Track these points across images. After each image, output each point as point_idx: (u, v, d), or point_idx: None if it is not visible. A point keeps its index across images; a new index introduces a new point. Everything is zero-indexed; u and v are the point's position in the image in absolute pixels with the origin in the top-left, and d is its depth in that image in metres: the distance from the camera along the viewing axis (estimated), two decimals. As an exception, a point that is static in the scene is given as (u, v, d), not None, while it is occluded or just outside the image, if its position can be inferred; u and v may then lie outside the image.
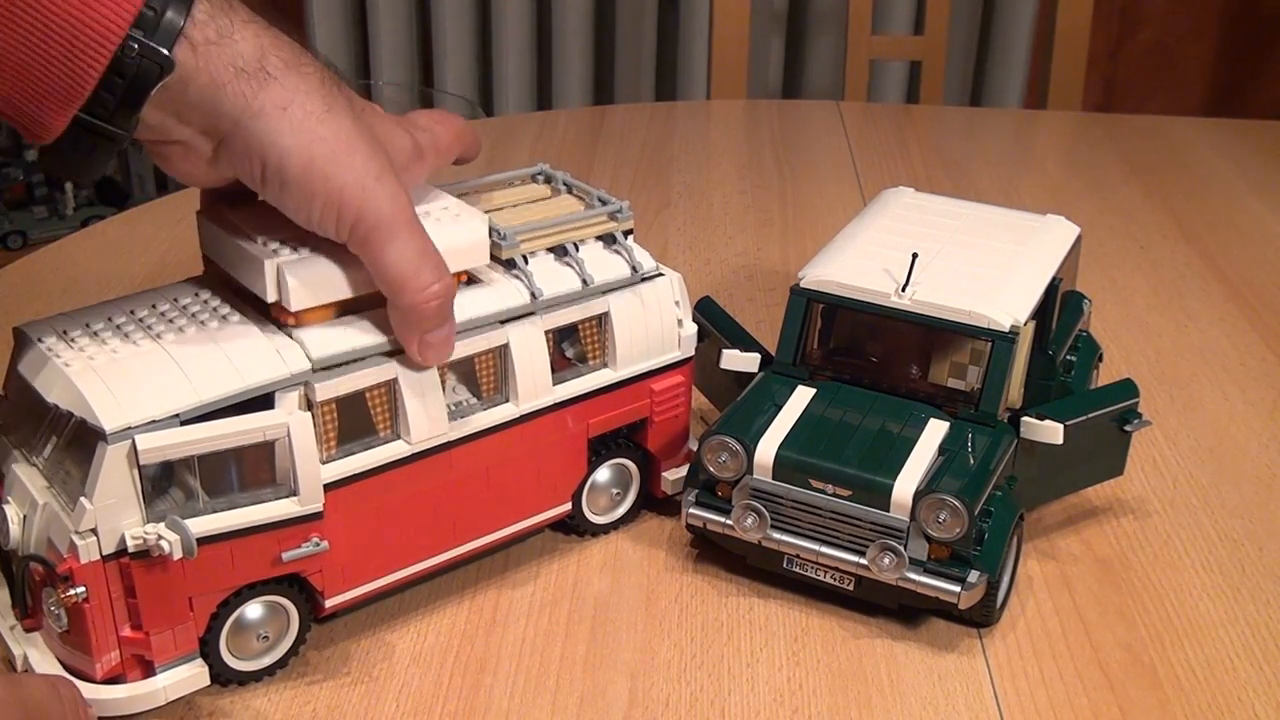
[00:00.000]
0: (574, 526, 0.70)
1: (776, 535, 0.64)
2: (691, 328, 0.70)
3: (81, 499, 0.53)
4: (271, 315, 0.59)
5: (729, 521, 0.65)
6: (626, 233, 0.68)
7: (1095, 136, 1.35)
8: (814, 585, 0.65)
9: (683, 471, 0.71)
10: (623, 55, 2.30)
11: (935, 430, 0.65)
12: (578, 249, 0.66)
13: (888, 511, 0.62)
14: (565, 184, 0.71)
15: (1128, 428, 0.69)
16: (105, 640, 0.55)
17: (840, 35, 1.97)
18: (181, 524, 0.53)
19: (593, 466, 0.68)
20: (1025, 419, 0.66)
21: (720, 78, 1.59)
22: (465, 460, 0.63)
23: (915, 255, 0.67)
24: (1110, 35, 2.45)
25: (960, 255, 0.71)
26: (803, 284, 0.69)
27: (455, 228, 0.61)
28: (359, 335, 0.59)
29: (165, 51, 0.51)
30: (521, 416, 0.64)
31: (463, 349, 0.61)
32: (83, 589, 0.53)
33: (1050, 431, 0.66)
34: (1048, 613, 0.66)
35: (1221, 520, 0.74)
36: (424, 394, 0.60)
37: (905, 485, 0.62)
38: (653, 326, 0.68)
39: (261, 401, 0.56)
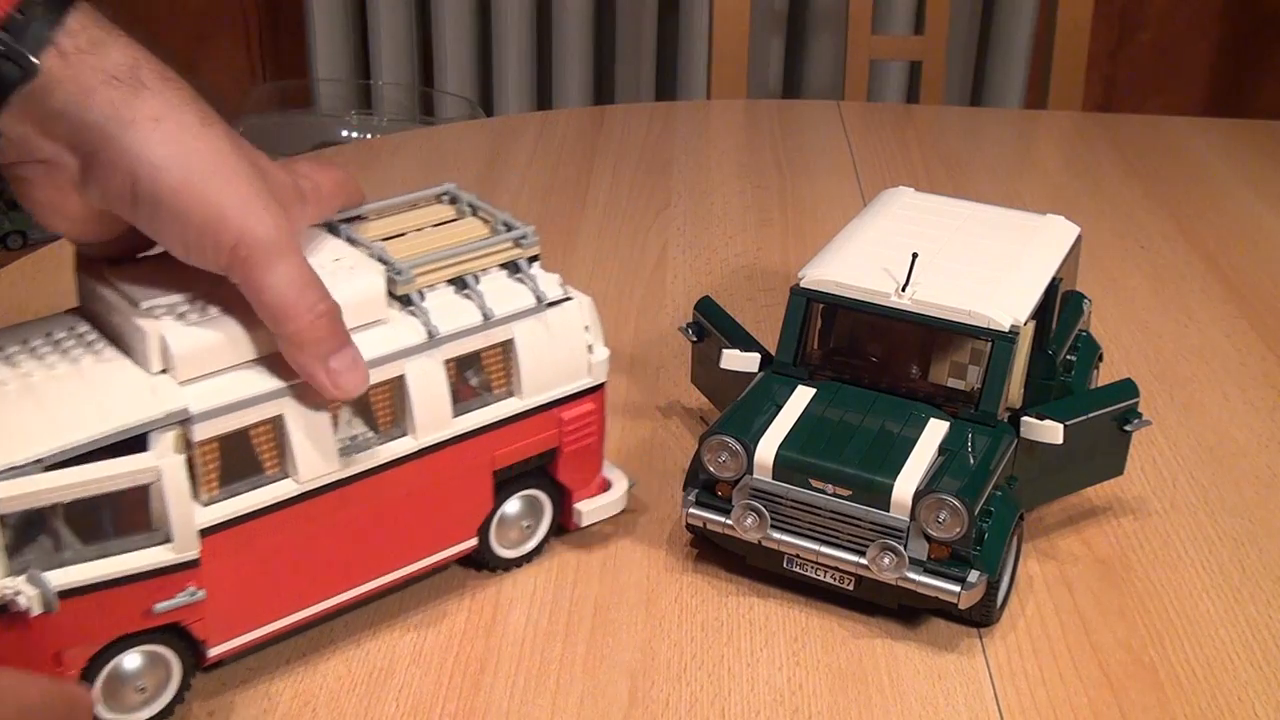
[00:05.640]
0: (482, 562, 0.66)
1: (776, 535, 0.64)
2: (603, 353, 0.66)
3: None
4: None
5: (729, 521, 0.65)
6: (532, 259, 0.65)
7: (1095, 136, 1.35)
8: (814, 585, 0.65)
9: (598, 502, 0.68)
10: (623, 55, 2.30)
11: (935, 430, 0.65)
12: (478, 280, 0.62)
13: (888, 511, 0.62)
14: (471, 205, 0.67)
15: (1128, 428, 0.69)
16: None
17: (840, 35, 1.97)
18: (40, 577, 0.50)
19: (500, 500, 0.65)
20: (1025, 419, 0.66)
21: (720, 78, 1.59)
22: (360, 498, 0.59)
23: (915, 255, 0.67)
24: (1110, 35, 2.45)
25: (960, 255, 0.71)
26: (803, 284, 0.69)
27: (350, 283, 0.58)
28: (248, 382, 0.55)
29: (31, 57, 0.50)
30: (420, 450, 0.60)
31: None
32: None
33: (1050, 431, 0.66)
34: (1048, 613, 0.66)
35: (1221, 520, 0.74)
36: (313, 430, 0.56)
37: (905, 485, 0.62)
38: (560, 353, 0.64)
39: (138, 442, 0.53)
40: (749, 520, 0.64)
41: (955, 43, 2.18)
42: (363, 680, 0.60)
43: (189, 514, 0.53)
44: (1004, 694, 0.61)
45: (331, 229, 0.63)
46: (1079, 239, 0.77)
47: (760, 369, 0.71)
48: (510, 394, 0.64)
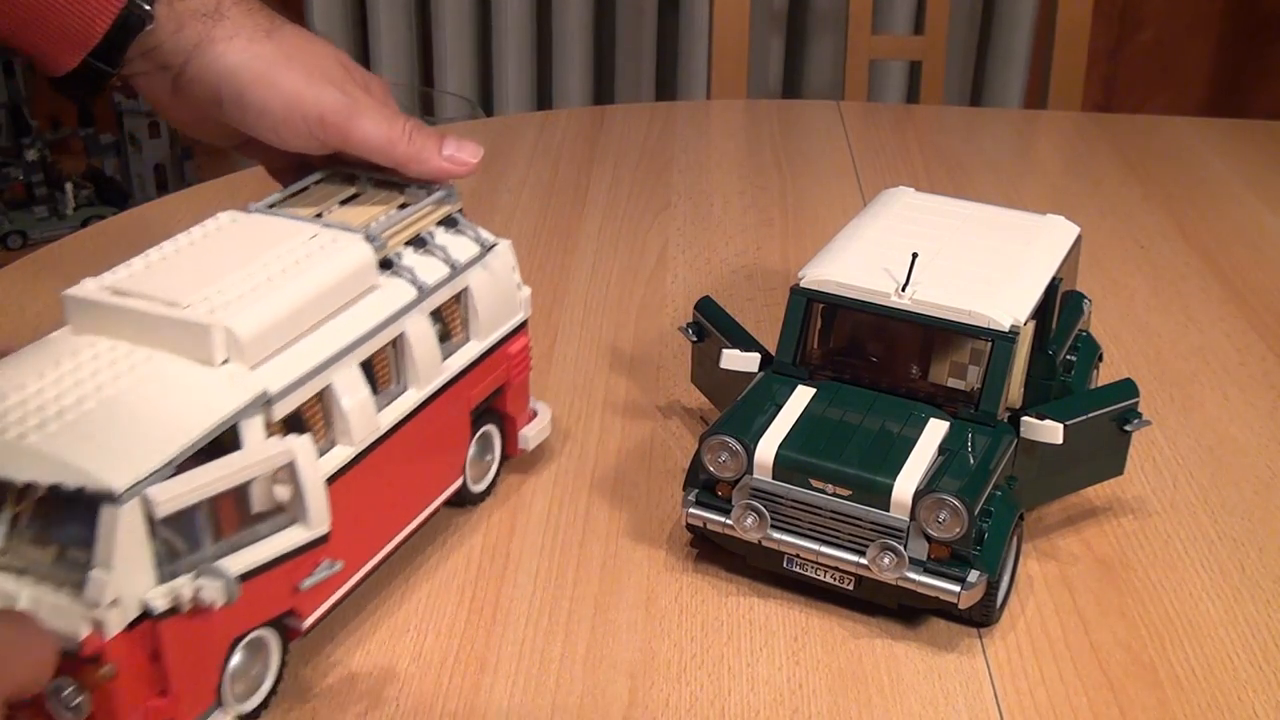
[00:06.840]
0: (458, 500, 0.70)
1: (776, 535, 0.64)
2: (526, 290, 0.72)
3: (93, 571, 0.48)
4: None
5: (729, 521, 0.65)
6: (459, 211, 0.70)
7: (1095, 136, 1.35)
8: (814, 585, 0.65)
9: (535, 427, 0.74)
10: (623, 55, 2.30)
11: (935, 430, 0.65)
12: (434, 237, 0.67)
13: (888, 511, 0.62)
14: (369, 178, 0.69)
15: (1128, 428, 0.69)
16: (134, 718, 0.51)
17: (840, 35, 1.97)
18: (218, 568, 0.51)
19: (472, 437, 0.70)
20: (1025, 419, 0.66)
21: (720, 78, 1.59)
22: (394, 452, 0.62)
23: (915, 255, 0.67)
24: (1110, 35, 2.45)
25: (960, 255, 0.71)
26: (803, 284, 0.69)
27: (341, 256, 0.61)
28: (303, 357, 0.58)
29: (148, 7, 0.65)
30: (426, 400, 0.65)
31: (362, 352, 0.60)
32: (110, 667, 0.49)
33: (1050, 431, 0.66)
34: (1048, 613, 0.66)
35: (1221, 520, 0.74)
36: (356, 393, 0.60)
37: (905, 485, 0.62)
38: (501, 294, 0.69)
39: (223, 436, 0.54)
40: (749, 520, 0.64)
41: (955, 43, 2.18)
42: (363, 680, 0.60)
43: (322, 490, 0.56)
44: (1004, 694, 0.61)
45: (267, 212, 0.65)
46: (1079, 239, 0.77)
47: (760, 369, 0.71)
48: (467, 339, 0.68)
